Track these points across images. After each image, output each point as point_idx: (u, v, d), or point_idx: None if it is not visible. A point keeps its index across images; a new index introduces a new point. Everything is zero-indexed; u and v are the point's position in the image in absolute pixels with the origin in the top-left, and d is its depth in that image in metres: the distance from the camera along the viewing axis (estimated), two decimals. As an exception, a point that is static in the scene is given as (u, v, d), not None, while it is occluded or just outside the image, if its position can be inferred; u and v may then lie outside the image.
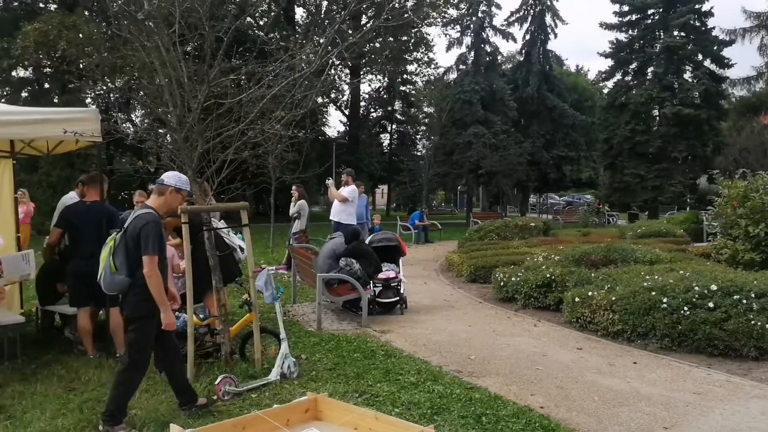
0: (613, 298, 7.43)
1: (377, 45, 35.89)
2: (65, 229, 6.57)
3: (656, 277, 7.77)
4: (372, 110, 45.27)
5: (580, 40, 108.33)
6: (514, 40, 39.79)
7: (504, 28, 39.12)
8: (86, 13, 25.94)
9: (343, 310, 8.99)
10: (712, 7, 33.84)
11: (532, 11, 40.01)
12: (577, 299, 8.00)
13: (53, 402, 5.02)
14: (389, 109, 44.34)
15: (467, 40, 38.17)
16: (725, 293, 6.84)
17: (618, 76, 37.15)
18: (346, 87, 39.44)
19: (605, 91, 42.26)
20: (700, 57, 34.55)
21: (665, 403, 5.18)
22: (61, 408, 4.87)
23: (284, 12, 33.14)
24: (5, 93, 28.58)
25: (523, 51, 41.37)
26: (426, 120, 44.75)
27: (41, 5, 29.30)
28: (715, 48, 34.09)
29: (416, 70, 42.53)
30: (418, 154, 45.91)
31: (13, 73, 28.11)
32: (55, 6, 28.30)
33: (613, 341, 7.31)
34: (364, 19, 33.99)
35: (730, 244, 10.87)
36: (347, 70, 39.09)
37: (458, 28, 38.52)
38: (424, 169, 37.88)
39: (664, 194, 32.78)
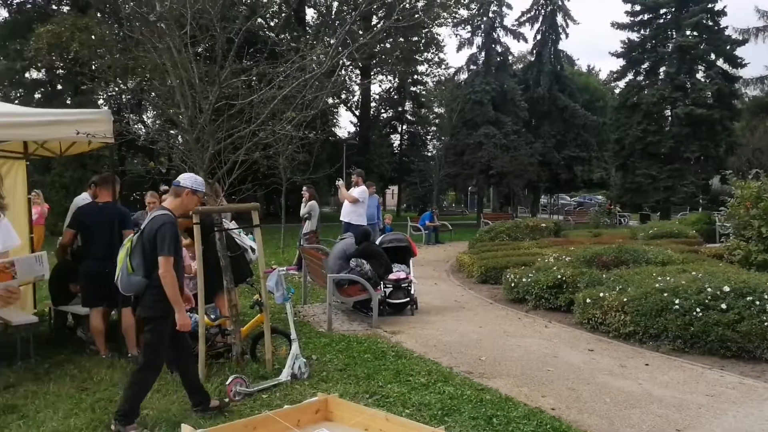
0: (625, 300, 7.39)
1: (388, 45, 35.88)
2: (78, 229, 6.62)
3: (668, 278, 7.72)
4: (382, 111, 45.28)
5: (592, 40, 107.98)
6: (525, 41, 39.76)
7: (515, 28, 39.15)
8: (98, 14, 26.09)
9: (354, 310, 8.99)
10: (724, 7, 33.79)
11: (543, 11, 39.92)
12: (588, 300, 7.97)
13: (66, 402, 5.05)
14: (400, 109, 44.34)
15: (478, 40, 38.21)
16: (738, 294, 6.80)
17: (630, 76, 37.04)
18: (356, 88, 39.50)
19: (617, 91, 42.19)
20: (712, 56, 34.40)
21: (678, 406, 5.15)
22: (74, 408, 4.90)
23: (295, 13, 33.20)
24: (18, 94, 28.81)
25: (534, 51, 41.31)
26: (436, 120, 44.70)
27: (54, 7, 29.52)
28: (727, 47, 33.93)
29: (427, 70, 42.59)
30: (429, 154, 45.86)
31: (27, 75, 28.31)
32: (67, 8, 28.50)
33: (625, 343, 7.27)
34: (374, 20, 34.01)
35: (743, 245, 10.79)
36: (358, 71, 39.11)
37: (469, 28, 38.53)
38: (434, 170, 37.82)
39: (677, 195, 32.63)
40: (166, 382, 5.33)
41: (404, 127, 45.70)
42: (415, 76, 42.67)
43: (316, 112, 6.40)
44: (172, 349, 4.65)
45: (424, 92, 44.28)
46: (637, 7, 35.93)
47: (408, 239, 10.16)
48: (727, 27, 34.15)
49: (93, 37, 22.37)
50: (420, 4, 31.53)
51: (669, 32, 35.30)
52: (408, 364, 6.21)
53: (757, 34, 33.79)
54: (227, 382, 5.10)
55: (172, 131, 7.33)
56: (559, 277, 9.14)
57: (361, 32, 22.57)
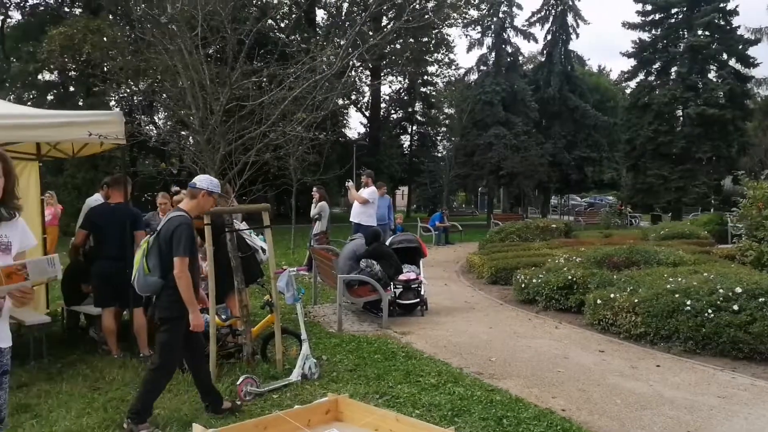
0: (636, 301, 7.36)
1: (398, 46, 35.87)
2: (90, 230, 6.67)
3: (680, 279, 7.69)
4: (392, 112, 45.29)
5: (603, 40, 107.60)
6: (536, 41, 39.61)
7: (525, 28, 39.01)
8: (110, 17, 26.26)
9: (364, 311, 9.00)
10: (737, 6, 33.57)
11: (553, 11, 39.79)
12: (599, 301, 7.94)
13: (78, 401, 5.09)
14: (410, 110, 44.33)
15: (488, 40, 38.09)
16: (750, 296, 6.76)
17: (641, 76, 36.86)
18: (366, 89, 39.52)
19: (628, 91, 41.98)
20: (724, 56, 34.19)
21: (689, 407, 5.12)
22: (86, 407, 4.94)
23: (305, 14, 33.28)
24: (31, 96, 29.05)
25: (545, 51, 41.21)
26: (446, 121, 44.68)
27: (66, 10, 29.73)
28: (740, 47, 33.73)
29: (437, 71, 42.59)
30: (439, 155, 45.79)
31: (39, 77, 28.54)
32: (80, 10, 28.70)
33: (636, 344, 7.24)
34: (384, 21, 34.01)
35: (755, 245, 10.71)
36: (368, 72, 39.14)
37: (479, 28, 38.43)
38: (444, 171, 37.75)
39: (688, 195, 32.43)
40: (178, 382, 5.36)
41: (414, 127, 45.68)
42: (425, 77, 42.67)
43: (326, 113, 6.42)
44: (185, 350, 4.68)
45: (434, 93, 44.27)
46: (649, 7, 35.75)
47: (418, 240, 10.16)
48: (739, 26, 34.02)
49: (105, 39, 22.55)
50: (430, 5, 31.50)
51: (680, 32, 35.09)
52: (418, 364, 6.21)
53: (770, 34, 33.58)
54: (238, 383, 5.12)
55: (183, 132, 7.37)
56: (570, 277, 9.11)
57: (371, 33, 22.59)
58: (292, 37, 27.87)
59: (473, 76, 39.60)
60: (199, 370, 4.81)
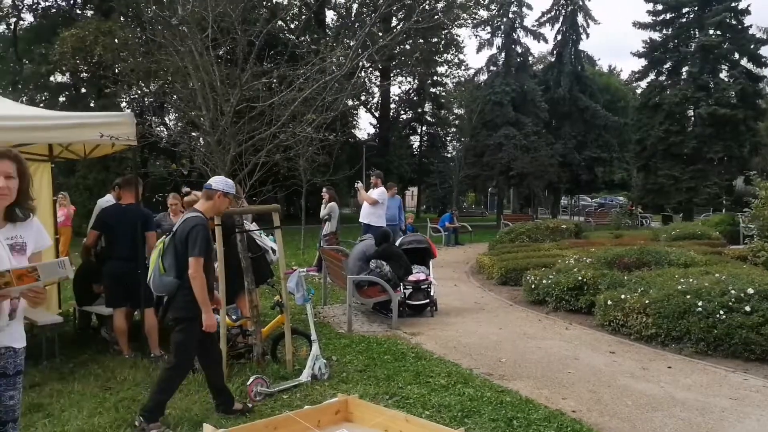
0: (647, 302, 7.33)
1: (407, 47, 35.88)
2: (101, 231, 6.72)
3: (691, 280, 7.65)
4: (402, 112, 45.29)
5: (613, 40, 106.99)
6: (546, 41, 39.50)
7: (535, 28, 38.91)
8: (122, 18, 26.42)
9: (374, 312, 9.01)
10: (748, 5, 33.36)
11: (563, 11, 39.67)
12: (609, 302, 7.91)
13: (90, 401, 5.12)
14: (419, 111, 44.32)
15: (498, 41, 38.02)
16: (763, 297, 6.71)
17: (652, 76, 36.70)
18: (376, 89, 39.55)
19: (638, 91, 41.79)
20: (736, 56, 33.98)
21: (701, 409, 5.09)
22: (98, 407, 4.97)
23: (315, 15, 33.35)
24: (44, 98, 29.28)
25: (555, 51, 41.11)
26: (456, 122, 44.62)
27: (78, 12, 29.93)
28: (751, 46, 33.51)
29: (446, 71, 42.57)
30: (449, 156, 45.76)
31: (51, 79, 28.76)
32: (91, 12, 28.89)
33: (647, 345, 7.20)
34: (394, 22, 34.02)
35: (767, 246, 10.65)
36: (377, 73, 39.15)
37: (489, 29, 38.39)
38: (454, 171, 37.72)
39: (699, 196, 32.24)
40: (188, 382, 5.37)
41: (424, 128, 45.66)
42: (435, 78, 42.65)
43: (336, 114, 6.44)
44: (200, 350, 4.71)
45: (443, 93, 44.22)
46: (660, 7, 35.58)
47: (428, 241, 10.15)
48: (751, 26, 33.79)
49: (116, 40, 22.69)
50: (440, 6, 31.49)
51: (692, 31, 34.89)
52: (428, 365, 6.21)
53: (782, 33, 33.33)
54: (248, 383, 5.14)
55: (193, 133, 7.41)
56: (580, 278, 9.08)
57: (380, 34, 22.59)
58: (302, 38, 27.93)
59: (483, 77, 39.57)
60: (213, 370, 4.83)
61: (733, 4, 33.05)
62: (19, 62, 31.00)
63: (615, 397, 5.39)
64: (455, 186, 38.46)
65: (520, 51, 38.43)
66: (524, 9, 37.69)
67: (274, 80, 6.50)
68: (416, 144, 46.23)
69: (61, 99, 29.23)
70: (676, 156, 33.38)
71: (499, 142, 34.43)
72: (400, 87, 43.18)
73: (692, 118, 34.41)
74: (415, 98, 44.04)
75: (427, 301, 9.01)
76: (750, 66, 33.92)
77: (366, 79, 35.51)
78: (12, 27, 31.62)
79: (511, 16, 37.53)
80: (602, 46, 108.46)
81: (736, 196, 32.03)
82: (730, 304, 6.71)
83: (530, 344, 7.33)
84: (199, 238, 4.43)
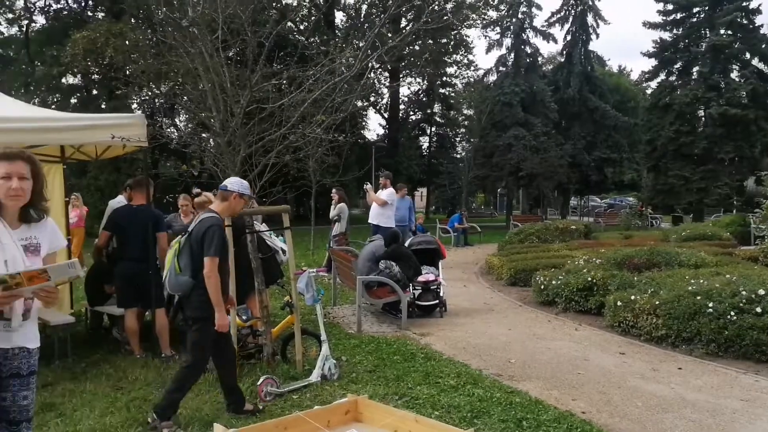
0: (657, 303, 7.30)
1: (417, 48, 35.89)
2: (113, 231, 6.75)
3: (701, 281, 7.61)
4: (411, 113, 45.31)
5: (623, 40, 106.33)
6: (555, 41, 39.35)
7: (544, 29, 38.74)
8: (132, 20, 26.56)
9: (383, 312, 9.02)
10: (759, 5, 33.45)
11: (573, 11, 39.51)
12: (619, 303, 7.89)
13: (102, 400, 5.16)
14: (428, 111, 44.32)
15: (507, 41, 37.91)
16: (774, 298, 6.67)
17: (662, 76, 36.49)
18: (385, 90, 39.52)
19: (648, 91, 41.58)
20: (747, 56, 33.76)
21: (711, 410, 5.08)
22: (110, 406, 5.00)
23: (324, 16, 33.42)
24: (55, 99, 29.47)
25: (564, 52, 40.96)
26: (465, 122, 44.54)
27: (89, 14, 30.12)
28: (763, 46, 33.27)
29: (456, 72, 42.55)
30: (458, 156, 45.69)
31: (63, 80, 28.96)
32: (102, 14, 29.07)
33: (657, 346, 7.18)
34: (403, 22, 34.03)
35: (779, 247, 10.59)
36: (387, 74, 39.17)
37: (498, 29, 38.29)
38: (463, 172, 37.63)
39: (710, 196, 32.04)
40: (200, 382, 5.40)
41: (433, 129, 45.64)
42: (444, 78, 42.64)
43: (345, 115, 6.45)
44: (214, 349, 4.74)
45: (453, 94, 44.20)
46: (670, 6, 35.38)
47: (437, 241, 10.16)
48: (762, 25, 33.55)
49: (127, 42, 22.83)
50: (449, 6, 31.52)
51: (702, 31, 34.67)
52: (437, 366, 6.22)
53: (794, 33, 33.09)
54: (258, 383, 5.17)
55: (204, 135, 7.45)
56: (590, 279, 9.06)
57: (390, 35, 22.60)
58: (312, 39, 28.02)
59: (492, 77, 39.52)
60: (226, 370, 4.86)
61: (744, 4, 32.84)
62: (31, 64, 31.24)
63: (625, 398, 5.38)
64: (464, 187, 38.38)
65: (529, 51, 38.33)
66: (534, 9, 37.61)
67: (284, 81, 6.53)
68: (425, 145, 46.22)
69: (73, 100, 29.42)
70: (687, 156, 33.19)
71: (509, 142, 34.34)
72: (409, 88, 43.26)
73: (703, 118, 34.20)
74: (424, 99, 44.03)
75: (437, 301, 9.01)
76: (761, 66, 33.68)
77: (375, 80, 35.60)
78: (24, 29, 31.90)
79: (520, 16, 37.43)
80: (612, 46, 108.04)
81: (747, 197, 31.82)
82: (741, 305, 6.68)
83: (540, 345, 7.32)
84: (215, 238, 4.47)
